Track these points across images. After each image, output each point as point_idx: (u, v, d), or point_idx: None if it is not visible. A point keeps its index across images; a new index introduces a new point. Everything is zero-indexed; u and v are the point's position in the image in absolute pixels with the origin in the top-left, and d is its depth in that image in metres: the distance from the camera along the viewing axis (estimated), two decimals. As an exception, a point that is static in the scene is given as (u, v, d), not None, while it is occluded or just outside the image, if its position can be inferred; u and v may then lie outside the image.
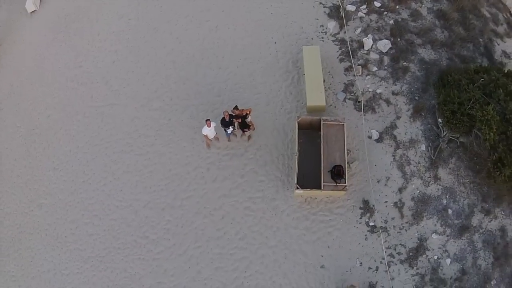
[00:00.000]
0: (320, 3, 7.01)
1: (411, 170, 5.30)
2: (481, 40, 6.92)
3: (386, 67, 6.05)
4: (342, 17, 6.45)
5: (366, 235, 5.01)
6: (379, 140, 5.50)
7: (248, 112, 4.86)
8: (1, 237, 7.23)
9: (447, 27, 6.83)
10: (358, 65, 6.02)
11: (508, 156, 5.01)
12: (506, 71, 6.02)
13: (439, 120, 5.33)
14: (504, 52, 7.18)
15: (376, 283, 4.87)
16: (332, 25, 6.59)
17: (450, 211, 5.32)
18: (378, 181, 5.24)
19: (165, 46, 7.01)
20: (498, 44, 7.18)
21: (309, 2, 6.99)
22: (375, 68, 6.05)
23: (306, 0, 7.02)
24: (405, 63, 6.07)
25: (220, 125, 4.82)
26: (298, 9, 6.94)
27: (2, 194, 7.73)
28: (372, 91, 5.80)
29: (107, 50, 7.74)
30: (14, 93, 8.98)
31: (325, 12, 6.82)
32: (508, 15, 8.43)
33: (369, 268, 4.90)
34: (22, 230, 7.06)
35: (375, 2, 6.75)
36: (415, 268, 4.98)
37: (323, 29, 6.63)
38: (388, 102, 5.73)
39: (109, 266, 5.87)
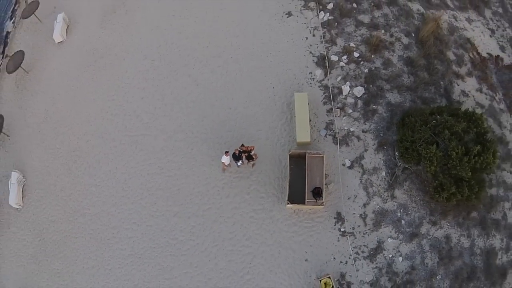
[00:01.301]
0: (310, 52, 10.53)
1: (373, 190, 8.70)
2: (442, 82, 10.30)
3: (359, 110, 9.48)
4: (327, 66, 9.94)
5: (338, 238, 8.41)
6: (351, 167, 8.93)
7: (252, 149, 8.35)
8: (47, 241, 10.94)
9: (413, 72, 10.25)
10: (337, 107, 9.45)
11: (448, 183, 8.31)
12: (458, 112, 9.25)
13: (396, 153, 8.74)
14: (463, 91, 10.56)
15: (346, 273, 8.24)
16: (318, 72, 10.08)
17: (403, 222, 8.67)
18: (348, 198, 8.64)
19: (185, 87, 10.61)
20: (458, 85, 10.55)
21: (301, 51, 10.51)
22: (350, 110, 9.48)
23: (298, 49, 10.55)
24: (374, 106, 9.49)
25: (232, 158, 8.33)
26: (292, 57, 10.47)
27: (46, 205, 11.50)
28: (347, 129, 9.23)
29: (135, 87, 11.42)
30: (51, 118, 12.82)
31: (313, 60, 10.32)
32: (475, 53, 11.87)
33: (341, 262, 8.28)
34: (67, 235, 10.72)
35: (354, 53, 10.22)
36: (374, 263, 8.34)
37: (311, 76, 10.13)
38: (358, 138, 9.15)
39: (146, 261, 9.37)
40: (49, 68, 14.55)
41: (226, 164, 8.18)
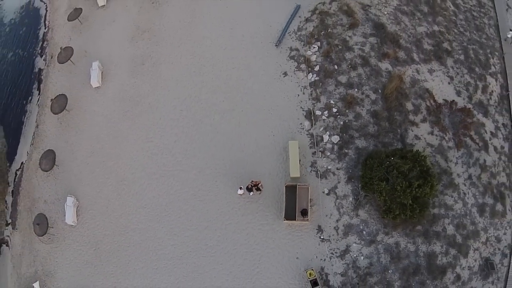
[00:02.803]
0: (301, 107, 17.66)
1: (343, 210, 15.73)
2: (399, 130, 17.32)
3: (335, 153, 16.55)
4: (312, 119, 17.04)
5: (319, 243, 15.43)
6: (328, 194, 15.98)
7: (259, 182, 15.43)
8: (102, 250, 18.15)
9: (377, 123, 17.30)
10: (319, 151, 16.52)
11: (393, 207, 15.25)
12: (406, 154, 16.16)
13: (360, 185, 15.79)
14: (416, 135, 17.58)
15: (324, 267, 15.22)
16: (306, 123, 17.19)
17: (364, 232, 15.66)
18: (326, 216, 15.67)
19: (208, 134, 17.74)
20: (412, 131, 17.56)
21: (293, 106, 17.65)
22: (328, 153, 16.55)
23: (292, 104, 17.69)
24: (346, 150, 16.56)
25: (246, 189, 15.45)
26: (287, 111, 17.60)
27: (100, 222, 18.74)
28: (326, 167, 16.29)
29: (169, 132, 18.64)
30: (97, 153, 20.12)
31: (303, 114, 17.46)
32: (431, 101, 18.92)
33: (321, 259, 15.28)
34: (120, 245, 17.92)
35: (333, 109, 17.31)
36: (344, 260, 15.33)
37: (301, 126, 17.25)
38: (334, 173, 16.20)
39: (184, 262, 16.38)
40: (89, 110, 21.99)
41: (240, 193, 15.24)
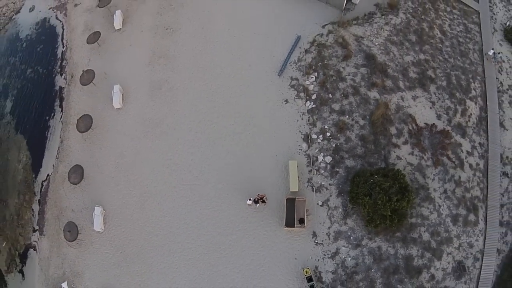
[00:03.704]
0: (299, 131, 22.92)
1: (334, 219, 20.96)
2: (383, 152, 22.54)
3: (328, 171, 21.79)
4: (309, 142, 22.25)
5: (314, 246, 20.65)
6: (322, 205, 21.22)
7: (264, 196, 20.72)
8: (127, 253, 23.46)
9: (364, 145, 22.53)
10: (315, 169, 21.72)
11: (375, 218, 20.47)
12: (388, 173, 21.34)
13: (348, 199, 21.04)
14: (397, 156, 22.81)
15: (318, 266, 20.46)
16: (304, 146, 22.43)
17: (351, 238, 20.88)
18: (320, 223, 20.90)
19: (221, 154, 22.98)
20: (395, 152, 22.78)
21: (293, 130, 22.90)
22: (322, 171, 21.77)
23: (292, 129, 22.96)
24: (337, 169, 21.79)
25: (253, 202, 20.71)
26: (288, 134, 22.88)
27: (125, 229, 24.05)
28: (320, 183, 21.52)
29: (186, 152, 23.89)
30: (121, 168, 25.42)
31: (301, 137, 22.71)
32: (413, 125, 24.15)
33: (315, 260, 20.51)
34: (144, 248, 23.21)
35: (327, 133, 22.53)
36: (334, 261, 20.56)
37: (300, 148, 22.51)
38: (326, 188, 21.42)
39: (200, 261, 21.56)
40: (112, 129, 27.23)
41: (249, 205, 20.47)
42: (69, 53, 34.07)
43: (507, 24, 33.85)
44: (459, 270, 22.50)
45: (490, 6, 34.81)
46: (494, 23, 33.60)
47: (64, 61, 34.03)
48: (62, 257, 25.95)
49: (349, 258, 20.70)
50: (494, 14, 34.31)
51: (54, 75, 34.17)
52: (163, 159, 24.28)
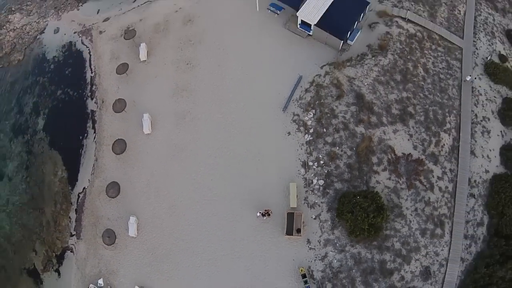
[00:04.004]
0: (299, 159, 33.28)
1: (324, 230, 31.30)
2: (365, 177, 32.77)
3: (320, 192, 32.13)
4: (306, 168, 32.48)
5: (308, 250, 31.04)
6: (315, 219, 31.56)
7: (269, 210, 31.10)
8: (158, 254, 34.06)
9: (350, 172, 32.81)
10: (310, 190, 31.98)
11: (356, 230, 30.74)
12: (367, 195, 31.46)
13: (335, 214, 31.33)
14: (377, 181, 33.09)
15: (311, 266, 30.83)
16: (302, 171, 32.75)
17: (337, 244, 31.20)
18: (313, 233, 31.28)
19: (236, 176, 33.47)
20: (375, 177, 33.06)
21: (294, 158, 33.37)
22: (316, 192, 32.07)
23: (293, 157, 33.41)
24: (328, 190, 32.11)
25: (261, 215, 31.08)
26: (289, 161, 33.38)
27: (156, 234, 34.69)
28: (314, 201, 31.87)
29: (206, 173, 34.35)
30: (152, 185, 36.09)
31: (300, 164, 33.17)
32: (392, 154, 34.43)
33: (308, 261, 30.88)
34: (172, 250, 33.74)
35: (321, 161, 32.75)
36: (323, 262, 30.94)
37: (299, 172, 32.98)
38: (319, 205, 31.78)
39: (218, 262, 32.13)
40: (143, 151, 37.70)
41: (258, 216, 30.77)
42: (98, 79, 44.57)
43: (488, 58, 44.04)
44: (426, 273, 32.57)
45: (474, 41, 45.14)
46: (476, 57, 43.86)
47: (94, 86, 44.51)
48: (99, 258, 36.25)
49: (335, 261, 30.82)
50: (477, 49, 44.64)
51: (85, 99, 44.67)
52: (188, 178, 34.54)
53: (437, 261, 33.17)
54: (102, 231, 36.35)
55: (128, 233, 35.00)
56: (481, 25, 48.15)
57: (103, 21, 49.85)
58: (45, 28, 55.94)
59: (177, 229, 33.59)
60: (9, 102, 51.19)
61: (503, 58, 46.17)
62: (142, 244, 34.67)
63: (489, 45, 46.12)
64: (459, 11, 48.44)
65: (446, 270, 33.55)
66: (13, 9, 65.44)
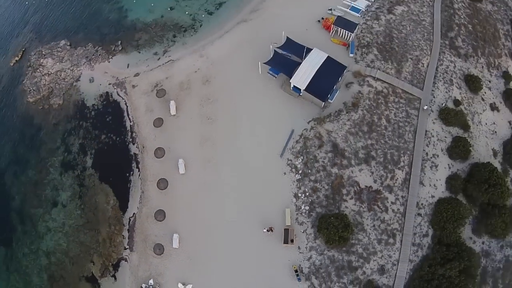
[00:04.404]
0: (291, 191, 59.88)
1: (309, 240, 57.96)
2: (337, 204, 59.16)
3: (306, 214, 58.89)
4: (296, 197, 58.51)
5: (298, 254, 57.88)
6: (303, 232, 58.34)
7: (272, 227, 57.37)
8: (195, 260, 61.04)
9: (326, 200, 59.05)
10: (300, 213, 58.18)
11: (330, 240, 57.10)
12: (338, 216, 57.53)
13: (316, 229, 57.62)
14: (346, 206, 59.35)
15: (300, 264, 57.32)
16: (294, 200, 59.28)
17: (318, 249, 57.90)
18: (302, 242, 57.88)
19: (249, 205, 59.32)
20: (344, 204, 59.40)
21: (288, 191, 59.92)
22: (303, 214, 58.69)
23: (287, 191, 59.99)
24: (311, 213, 59.02)
25: (266, 230, 57.40)
26: (285, 193, 60.02)
27: (194, 246, 62.07)
28: (302, 220, 58.35)
29: (230, 203, 62.07)
30: (188, 214, 64.73)
31: (292, 195, 59.88)
32: (357, 187, 60.67)
33: (299, 261, 57.50)
34: (207, 257, 60.50)
35: (306, 193, 58.77)
36: (309, 262, 57.49)
37: (292, 201, 60.56)
38: (305, 223, 58.67)
39: (237, 265, 57.92)
40: (181, 187, 64.74)
41: (264, 232, 56.97)
42: (136, 128, 70.47)
43: (443, 105, 70.05)
44: (382, 270, 58.58)
45: (432, 90, 71.20)
46: (432, 105, 69.83)
47: (134, 133, 70.27)
48: (149, 264, 62.34)
49: (317, 260, 56.78)
50: (434, 97, 70.89)
51: (127, 143, 70.37)
52: (216, 206, 60.59)
53: (390, 261, 59.14)
54: (152, 245, 62.04)
55: (172, 246, 60.68)
56: (441, 74, 74.55)
57: (134, 75, 75.76)
58: (80, 76, 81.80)
59: (209, 242, 59.39)
60: (54, 141, 77.23)
61: (457, 102, 72.45)
62: (182, 253, 60.30)
63: (446, 92, 72.40)
64: (423, 64, 74.77)
65: (397, 268, 59.55)
66: (43, 53, 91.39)
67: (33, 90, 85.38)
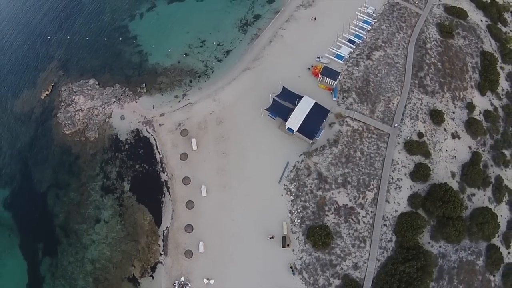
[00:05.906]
0: (287, 209, 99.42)
1: (301, 244, 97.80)
2: (321, 218, 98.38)
3: (299, 225, 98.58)
4: (291, 213, 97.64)
5: (293, 255, 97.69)
6: (296, 239, 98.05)
7: (273, 236, 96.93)
8: (216, 261, 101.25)
9: (313, 215, 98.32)
10: (294, 225, 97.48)
11: (316, 245, 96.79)
12: (323, 227, 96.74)
13: (306, 237, 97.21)
14: (328, 220, 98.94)
15: (295, 262, 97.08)
16: (289, 215, 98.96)
17: (307, 251, 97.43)
18: (295, 246, 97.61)
19: (256, 219, 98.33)
20: (326, 217, 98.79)
21: (285, 209, 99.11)
22: (296, 225, 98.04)
23: (284, 208, 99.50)
24: (302, 225, 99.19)
25: (269, 237, 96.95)
26: (282, 211, 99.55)
27: (216, 252, 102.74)
28: (295, 230, 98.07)
29: (243, 217, 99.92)
30: (213, 225, 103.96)
31: (288, 211, 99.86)
32: (336, 205, 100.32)
33: (294, 260, 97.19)
34: (227, 259, 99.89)
35: (298, 210, 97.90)
36: (301, 261, 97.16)
37: (288, 216, 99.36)
38: (298, 232, 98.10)
39: (249, 265, 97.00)
40: (203, 208, 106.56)
41: (268, 239, 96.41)
42: (165, 159, 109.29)
43: (408, 138, 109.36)
44: (355, 266, 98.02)
45: (400, 126, 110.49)
46: (399, 138, 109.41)
47: (163, 164, 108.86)
48: (180, 265, 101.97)
49: (307, 260, 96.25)
50: (401, 132, 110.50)
51: (158, 172, 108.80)
52: (233, 220, 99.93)
53: (362, 260, 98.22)
54: (183, 251, 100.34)
55: (199, 251, 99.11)
56: (409, 111, 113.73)
57: (160, 115, 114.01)
58: (111, 114, 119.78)
59: (227, 247, 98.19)
60: (93, 168, 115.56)
61: (421, 135, 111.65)
62: (207, 256, 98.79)
63: (412, 126, 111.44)
64: (393, 103, 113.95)
65: (367, 265, 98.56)
66: (74, 90, 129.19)
67: (68, 123, 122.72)
